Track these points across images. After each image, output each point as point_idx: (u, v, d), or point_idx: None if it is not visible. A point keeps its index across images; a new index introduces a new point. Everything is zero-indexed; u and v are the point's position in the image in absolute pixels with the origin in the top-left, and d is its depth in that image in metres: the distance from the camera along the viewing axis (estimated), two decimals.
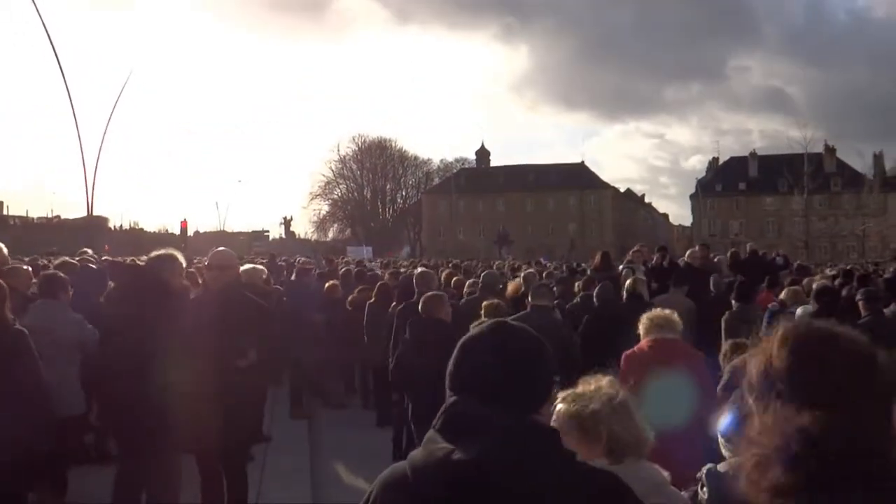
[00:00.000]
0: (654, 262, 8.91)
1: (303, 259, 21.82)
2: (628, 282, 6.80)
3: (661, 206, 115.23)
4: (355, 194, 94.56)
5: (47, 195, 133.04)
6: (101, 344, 4.13)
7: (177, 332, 3.68)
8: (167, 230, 75.32)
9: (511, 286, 7.81)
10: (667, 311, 4.70)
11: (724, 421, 1.94)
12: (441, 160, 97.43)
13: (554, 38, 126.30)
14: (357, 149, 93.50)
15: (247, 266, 6.40)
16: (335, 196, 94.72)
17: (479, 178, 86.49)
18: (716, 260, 9.52)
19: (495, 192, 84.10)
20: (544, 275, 10.30)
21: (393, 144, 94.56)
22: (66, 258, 7.54)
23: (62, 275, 5.39)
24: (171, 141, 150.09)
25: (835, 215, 65.72)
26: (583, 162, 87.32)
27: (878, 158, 73.01)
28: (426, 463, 1.41)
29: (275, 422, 7.46)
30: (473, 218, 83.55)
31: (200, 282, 5.58)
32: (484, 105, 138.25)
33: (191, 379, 3.58)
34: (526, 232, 77.22)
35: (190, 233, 71.81)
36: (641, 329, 4.60)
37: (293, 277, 11.16)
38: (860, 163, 71.21)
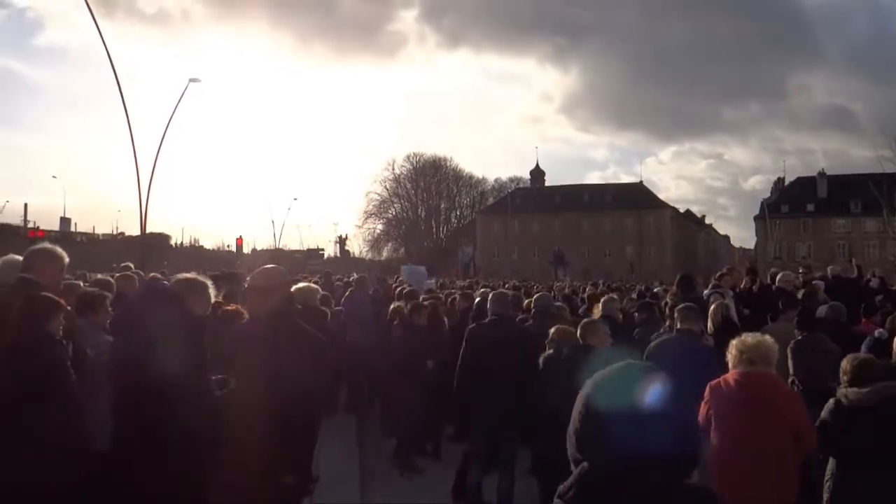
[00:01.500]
0: (742, 286, 8.12)
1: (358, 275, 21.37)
2: (714, 307, 6.03)
3: (720, 227, 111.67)
4: (410, 213, 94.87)
5: (113, 212, 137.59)
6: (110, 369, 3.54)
7: (195, 365, 3.06)
8: (227, 246, 76.84)
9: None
10: (762, 339, 4.10)
11: None
12: (495, 180, 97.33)
13: (605, 57, 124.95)
14: (412, 167, 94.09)
15: (301, 285, 5.77)
16: (390, 215, 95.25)
17: (534, 197, 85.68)
18: (814, 283, 8.62)
19: (551, 213, 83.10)
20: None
21: (447, 163, 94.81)
22: (103, 275, 7.12)
23: (100, 292, 4.89)
24: (229, 160, 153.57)
25: None
26: (641, 182, 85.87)
27: None
28: None
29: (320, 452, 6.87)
30: (528, 238, 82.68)
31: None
32: (536, 125, 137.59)
33: (224, 425, 3.00)
34: (582, 253, 75.96)
35: (247, 250, 73.32)
36: (729, 358, 4.05)
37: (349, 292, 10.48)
38: None
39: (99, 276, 6.97)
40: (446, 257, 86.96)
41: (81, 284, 6.03)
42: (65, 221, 76.73)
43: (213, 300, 3.71)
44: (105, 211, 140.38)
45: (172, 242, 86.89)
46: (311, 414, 3.41)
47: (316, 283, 15.33)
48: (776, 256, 63.59)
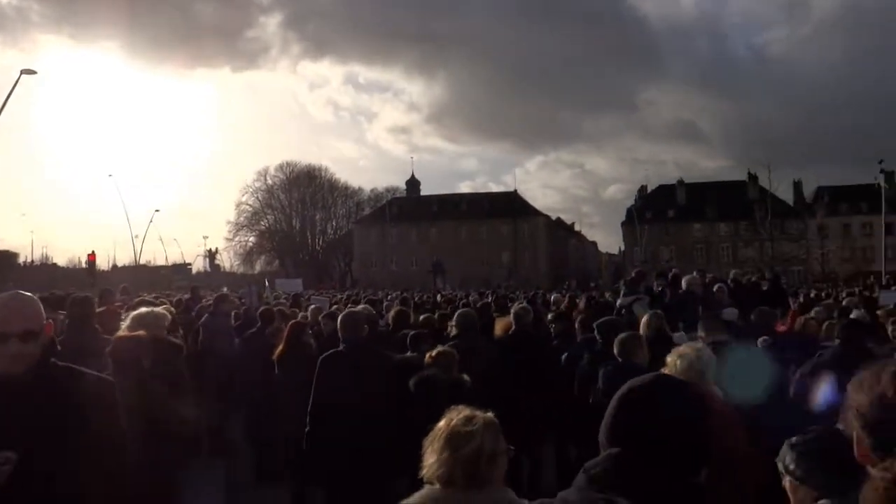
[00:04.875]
0: (654, 289, 7.68)
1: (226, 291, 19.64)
2: (648, 318, 5.43)
3: (587, 234, 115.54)
4: (283, 225, 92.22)
5: None
6: None
7: None
8: (85, 264, 71.02)
9: (500, 325, 6.36)
10: (695, 349, 3.58)
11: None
12: (371, 190, 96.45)
13: (468, 67, 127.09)
14: (285, 178, 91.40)
15: (141, 311, 4.36)
16: (262, 227, 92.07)
17: (411, 207, 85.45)
18: (715, 288, 8.36)
19: (428, 222, 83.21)
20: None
21: (323, 173, 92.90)
22: None
23: None
24: (86, 171, 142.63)
25: (760, 241, 67.24)
26: (515, 191, 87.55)
27: (797, 186, 76.08)
28: None
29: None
30: (406, 248, 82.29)
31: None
32: (406, 135, 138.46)
33: None
34: (460, 261, 76.37)
35: (107, 266, 67.89)
36: (665, 372, 3.41)
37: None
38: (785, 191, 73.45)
39: None
40: (322, 269, 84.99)
41: None
42: None
43: None
44: None
45: (21, 260, 79.61)
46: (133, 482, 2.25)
47: (181, 300, 13.70)
48: (643, 260, 66.65)
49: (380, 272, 76.77)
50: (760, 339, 6.13)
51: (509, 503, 2.20)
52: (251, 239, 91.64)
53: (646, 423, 1.46)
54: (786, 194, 72.81)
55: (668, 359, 3.53)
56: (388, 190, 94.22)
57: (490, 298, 13.83)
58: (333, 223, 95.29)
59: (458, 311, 6.28)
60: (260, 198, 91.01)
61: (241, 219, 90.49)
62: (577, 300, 11.93)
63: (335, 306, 10.49)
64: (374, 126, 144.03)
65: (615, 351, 4.75)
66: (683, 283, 7.97)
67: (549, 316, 7.24)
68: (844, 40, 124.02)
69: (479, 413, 2.28)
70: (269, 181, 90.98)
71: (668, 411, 1.47)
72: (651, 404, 1.49)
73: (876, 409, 1.46)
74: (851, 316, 6.84)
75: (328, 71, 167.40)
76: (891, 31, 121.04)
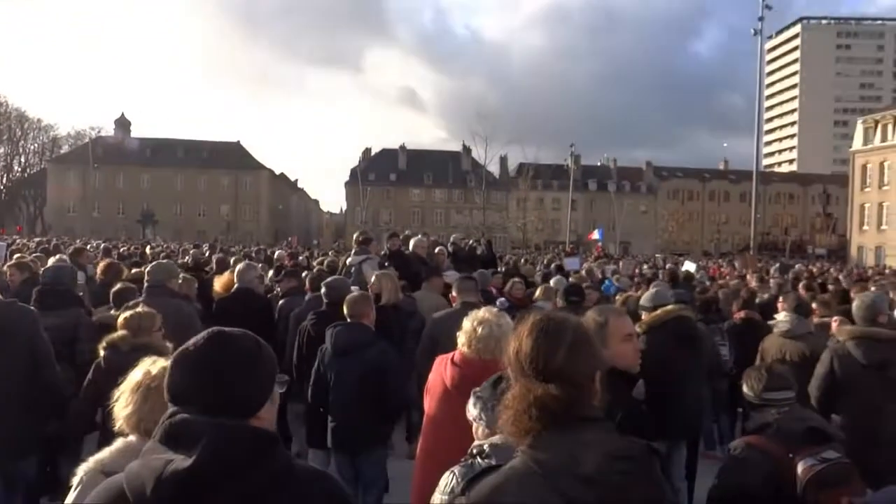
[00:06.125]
0: (385, 251, 7.76)
1: None
2: (385, 278, 5.41)
3: (309, 191, 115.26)
4: None
5: None
6: None
7: None
8: None
9: (220, 282, 5.88)
10: (496, 315, 3.36)
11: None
12: (72, 127, 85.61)
13: (194, 3, 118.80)
14: None
15: None
16: None
17: (120, 149, 77.48)
18: (436, 251, 8.70)
19: (139, 166, 76.34)
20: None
21: (8, 101, 79.90)
22: None
23: None
24: None
25: (470, 208, 72.76)
26: (239, 141, 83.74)
27: (503, 161, 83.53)
28: (141, 474, 1.42)
29: None
30: (112, 194, 74.90)
31: None
32: (122, 72, 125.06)
33: None
34: (174, 211, 71.73)
35: None
36: (463, 336, 3.30)
37: None
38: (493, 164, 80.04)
39: None
40: (6, 212, 73.79)
41: None
42: None
43: None
44: None
45: None
46: None
47: None
48: (363, 221, 68.31)
49: (79, 219, 68.90)
50: (499, 301, 6.50)
51: None
52: None
53: (194, 378, 1.51)
54: (493, 167, 79.74)
55: (466, 324, 3.31)
56: (92, 128, 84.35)
57: (214, 253, 13.03)
58: (22, 160, 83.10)
59: (153, 264, 5.62)
60: None
61: None
62: (300, 257, 11.71)
63: (17, 255, 8.97)
64: (81, 57, 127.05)
65: (344, 311, 4.64)
66: (410, 245, 8.22)
67: (277, 273, 6.96)
68: (548, 33, 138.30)
69: None
70: None
71: (213, 364, 1.51)
72: (199, 359, 1.53)
73: (516, 356, 1.74)
74: (552, 280, 7.62)
75: None
76: (588, 31, 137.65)
